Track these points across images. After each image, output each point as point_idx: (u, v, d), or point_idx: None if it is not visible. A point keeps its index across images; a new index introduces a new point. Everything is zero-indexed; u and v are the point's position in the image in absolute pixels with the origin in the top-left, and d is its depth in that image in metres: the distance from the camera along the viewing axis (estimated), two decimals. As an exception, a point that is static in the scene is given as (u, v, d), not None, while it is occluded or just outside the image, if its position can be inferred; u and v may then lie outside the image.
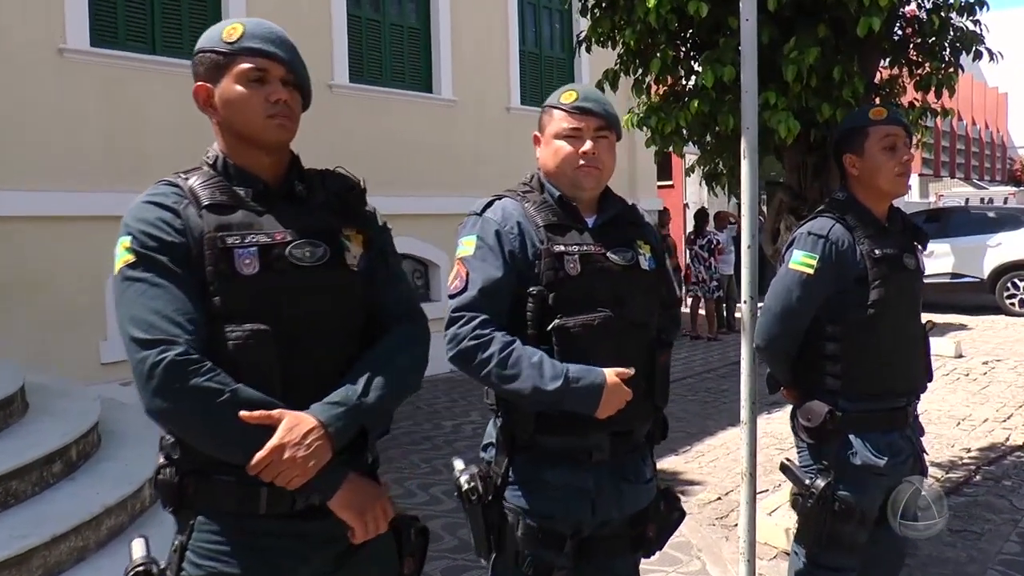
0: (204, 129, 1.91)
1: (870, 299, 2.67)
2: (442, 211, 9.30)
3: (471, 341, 2.12)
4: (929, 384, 2.92)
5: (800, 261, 2.74)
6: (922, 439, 2.92)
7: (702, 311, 12.95)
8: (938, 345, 10.58)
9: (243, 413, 1.61)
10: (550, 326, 2.16)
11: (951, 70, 4.45)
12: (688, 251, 13.15)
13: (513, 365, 2.10)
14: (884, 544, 2.86)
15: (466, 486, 2.25)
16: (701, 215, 13.13)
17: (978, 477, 5.80)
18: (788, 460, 2.87)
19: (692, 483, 5.75)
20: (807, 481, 2.74)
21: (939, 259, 14.77)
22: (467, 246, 2.26)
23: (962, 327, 12.80)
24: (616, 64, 4.82)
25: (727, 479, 5.75)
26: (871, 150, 2.75)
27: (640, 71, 4.75)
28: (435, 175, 10.12)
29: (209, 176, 1.79)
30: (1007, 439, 6.75)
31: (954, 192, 30.18)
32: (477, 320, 2.13)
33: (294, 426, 1.63)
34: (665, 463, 6.16)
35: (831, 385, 2.74)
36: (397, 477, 5.77)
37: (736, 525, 4.43)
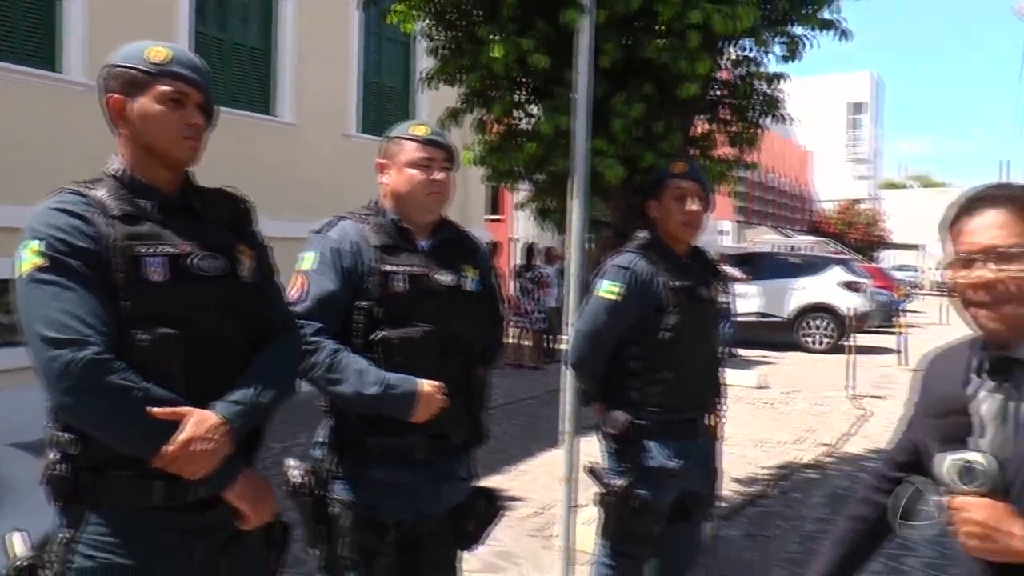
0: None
1: (667, 324, 3.07)
2: (278, 234, 9.24)
3: (304, 347, 2.32)
4: (721, 400, 3.34)
5: (607, 289, 3.11)
6: (718, 447, 3.35)
7: (527, 342, 13.37)
8: (744, 377, 11.51)
9: (153, 409, 1.73)
10: (376, 337, 2.40)
11: (756, 130, 5.03)
12: (516, 283, 13.55)
13: (339, 370, 2.34)
14: (680, 539, 3.26)
15: (297, 481, 2.45)
16: (530, 250, 13.60)
17: (773, 491, 6.45)
18: (593, 462, 3.22)
19: (514, 499, 6.07)
20: (609, 481, 3.10)
21: (749, 299, 15.98)
22: (308, 260, 2.49)
23: (766, 362, 13.90)
24: (459, 103, 5.12)
25: (547, 495, 6.11)
26: (666, 199, 3.18)
27: (483, 111, 5.06)
28: (272, 198, 10.08)
29: (115, 188, 1.88)
30: (798, 459, 7.51)
31: (765, 239, 32.50)
32: (312, 329, 2.35)
33: (201, 421, 1.77)
34: (489, 482, 6.42)
35: (633, 398, 3.12)
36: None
37: (555, 536, 4.77)
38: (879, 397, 10.93)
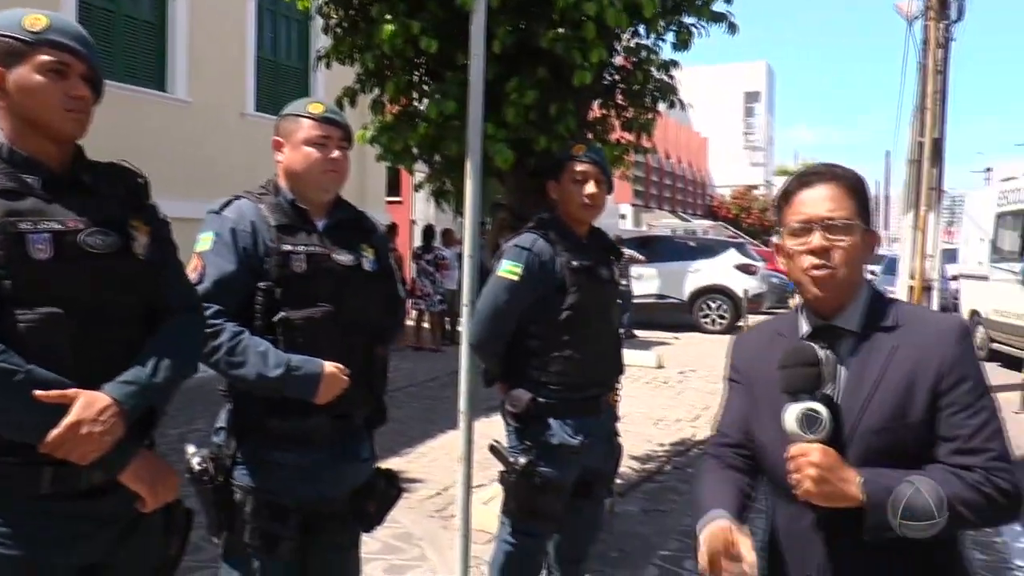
0: None
1: (567, 303, 3.13)
2: (172, 214, 8.97)
3: (204, 330, 2.27)
4: (621, 377, 3.43)
5: (507, 269, 3.15)
6: (617, 425, 3.43)
7: (426, 324, 13.34)
8: (642, 357, 11.77)
9: (38, 393, 1.66)
10: (277, 319, 2.37)
11: (650, 115, 5.14)
12: (415, 265, 13.49)
13: (240, 353, 2.30)
14: (582, 516, 3.34)
15: (197, 468, 2.40)
16: (429, 231, 13.54)
17: (669, 467, 6.64)
18: (496, 442, 3.26)
19: (414, 481, 6.08)
20: (512, 459, 3.15)
21: (647, 281, 16.37)
22: (205, 241, 2.44)
23: (664, 342, 14.26)
24: (355, 82, 5.07)
25: (446, 477, 6.14)
26: (566, 181, 3.23)
27: (377, 91, 5.02)
28: (166, 176, 9.77)
29: None
30: (693, 436, 7.74)
31: (663, 223, 33.23)
32: (211, 311, 2.30)
33: (90, 404, 1.71)
34: (389, 463, 6.44)
35: (535, 376, 3.17)
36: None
37: (454, 516, 4.81)
38: (770, 375, 11.32)
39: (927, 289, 10.84)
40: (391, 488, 2.69)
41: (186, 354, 1.96)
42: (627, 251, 15.36)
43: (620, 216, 29.54)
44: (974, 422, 1.64)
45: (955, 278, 15.43)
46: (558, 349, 3.14)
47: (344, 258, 2.50)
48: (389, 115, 5.10)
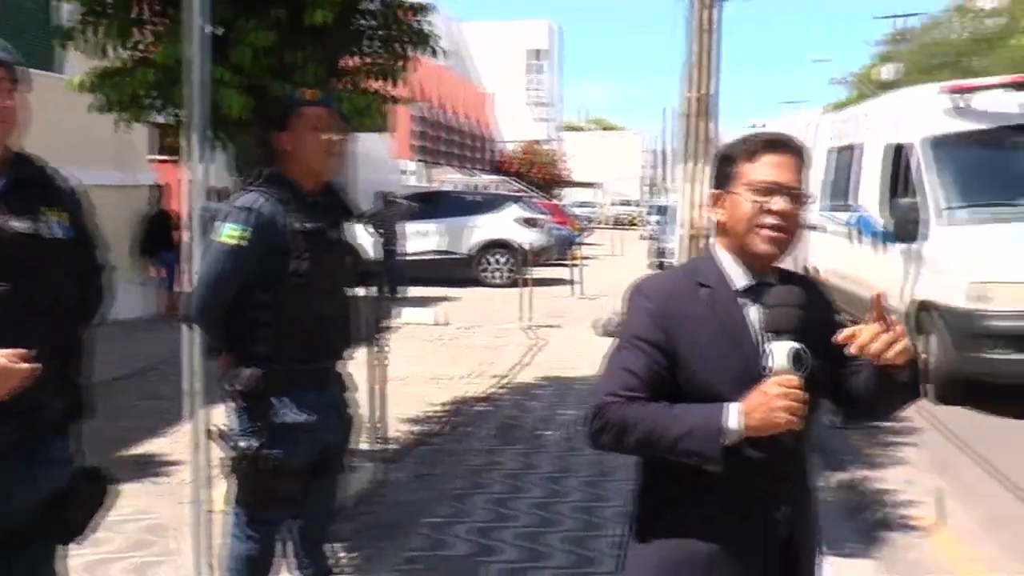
0: None
1: (295, 269, 2.84)
2: None
3: None
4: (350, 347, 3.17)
5: (228, 233, 2.82)
6: (353, 395, 3.20)
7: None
8: (422, 314, 11.64)
9: None
10: None
11: (402, 62, 4.88)
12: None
13: None
14: (320, 496, 3.09)
15: None
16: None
17: (445, 428, 6.52)
18: (218, 426, 2.95)
19: (176, 463, 5.62)
20: (241, 444, 2.85)
21: (429, 237, 16.24)
22: None
23: (446, 298, 14.18)
24: (77, 22, 4.48)
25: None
26: (300, 129, 2.92)
27: (98, 34, 4.46)
28: None
29: None
30: (471, 393, 7.66)
31: (450, 178, 33.21)
32: None
33: None
34: (152, 446, 5.99)
35: (262, 350, 2.87)
36: None
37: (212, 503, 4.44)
38: (553, 326, 11.54)
39: (701, 238, 11.33)
40: (97, 490, 2.32)
41: None
42: (402, 201, 15.12)
43: (403, 172, 29.31)
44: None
45: None
46: (286, 319, 2.86)
47: (20, 225, 2.10)
48: (112, 60, 4.55)
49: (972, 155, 8.18)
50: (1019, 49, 24.79)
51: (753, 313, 1.87)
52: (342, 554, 4.04)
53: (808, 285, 1.99)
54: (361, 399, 5.60)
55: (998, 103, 8.15)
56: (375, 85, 4.89)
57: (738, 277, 1.91)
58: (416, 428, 6.46)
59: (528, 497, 4.94)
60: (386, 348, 5.75)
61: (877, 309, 1.78)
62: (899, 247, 8.22)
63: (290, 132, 2.94)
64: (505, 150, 43.77)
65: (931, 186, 7.93)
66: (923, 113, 8.49)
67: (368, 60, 4.84)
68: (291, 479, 2.88)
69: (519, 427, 6.50)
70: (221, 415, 3.07)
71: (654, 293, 1.92)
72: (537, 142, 46.79)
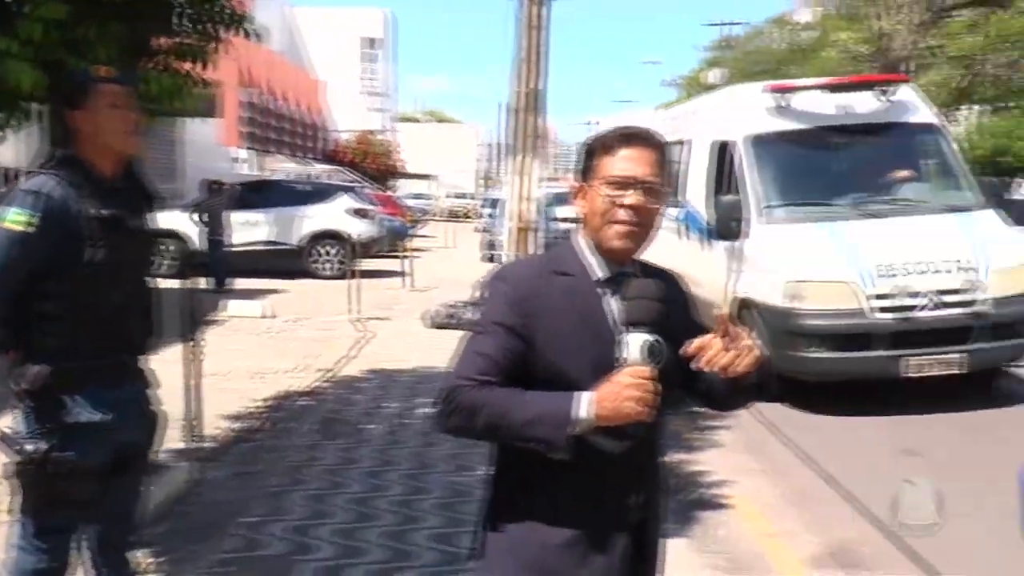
0: None
1: (90, 259, 2.66)
2: None
3: None
4: (148, 341, 2.99)
5: (12, 219, 2.61)
6: (155, 392, 3.03)
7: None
8: (248, 307, 11.28)
9: None
10: None
11: (213, 44, 4.66)
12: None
13: None
14: (119, 498, 2.91)
15: None
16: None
17: (266, 424, 6.32)
18: (6, 428, 2.73)
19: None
20: (27, 447, 2.64)
21: (258, 227, 15.72)
22: None
23: (275, 291, 13.77)
24: None
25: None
26: (95, 108, 2.73)
27: None
28: None
29: None
30: (296, 387, 7.47)
31: (284, 167, 32.18)
32: None
33: None
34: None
35: (52, 344, 2.67)
36: None
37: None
38: (383, 319, 11.42)
39: (529, 231, 11.50)
40: None
41: None
42: (228, 186, 14.62)
43: (235, 160, 28.22)
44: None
45: (565, 220, 16.40)
46: (80, 312, 2.67)
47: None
48: None
49: (792, 154, 8.27)
50: (829, 60, 26.62)
51: (612, 304, 1.88)
52: (150, 559, 3.86)
53: (667, 278, 2.02)
54: (176, 396, 5.39)
55: (817, 104, 8.27)
56: (187, 67, 4.65)
57: (598, 267, 1.92)
58: (236, 425, 6.25)
59: (348, 492, 4.87)
60: (202, 342, 5.53)
61: (723, 327, 1.80)
62: (722, 244, 8.22)
63: (84, 111, 2.74)
64: (339, 139, 42.82)
65: (752, 184, 7.96)
66: (747, 112, 8.54)
67: (179, 40, 4.60)
68: (85, 482, 2.69)
69: (342, 421, 6.40)
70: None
71: (514, 279, 1.93)
72: (372, 132, 46.10)
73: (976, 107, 29.86)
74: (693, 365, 1.81)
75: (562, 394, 1.77)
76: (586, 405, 1.74)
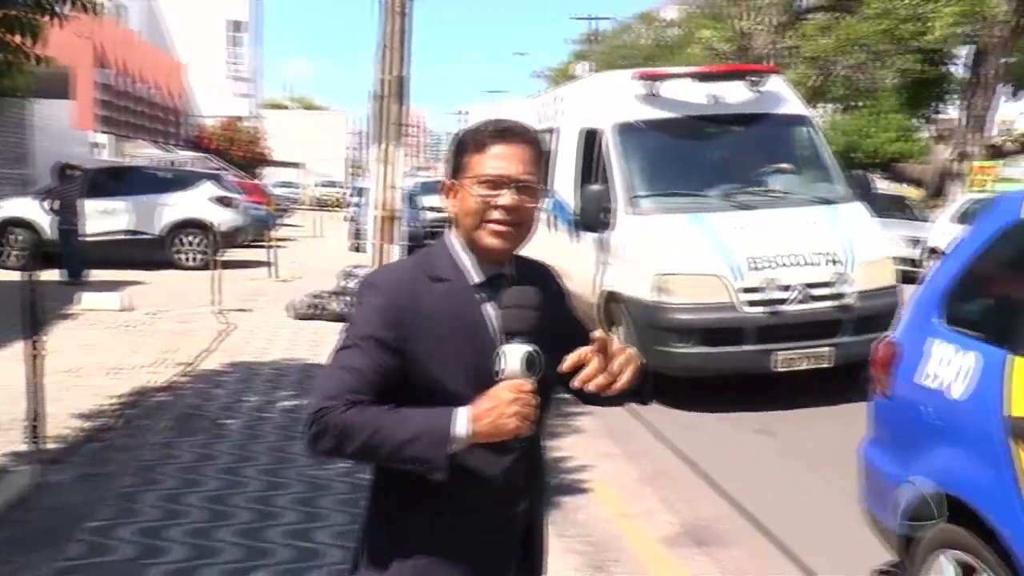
0: None
1: None
2: None
3: None
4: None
5: None
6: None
7: None
8: (106, 300, 10.73)
9: None
10: None
11: (40, 16, 4.39)
12: None
13: None
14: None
15: None
16: None
17: (119, 422, 6.02)
18: None
19: None
20: None
21: (117, 216, 14.99)
22: None
23: (135, 282, 13.14)
24: None
25: None
26: None
27: None
28: None
29: None
30: (152, 382, 7.14)
31: (146, 154, 30.70)
32: None
33: None
34: None
35: None
36: None
37: None
38: (245, 310, 11.07)
39: (393, 219, 11.37)
40: None
41: None
42: (81, 170, 13.88)
43: (94, 145, 26.80)
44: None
45: (432, 209, 16.12)
46: None
47: None
48: None
49: (660, 143, 8.02)
50: (694, 57, 27.42)
51: (490, 310, 1.79)
52: (-20, 571, 3.62)
53: (543, 275, 1.96)
54: (18, 395, 5.07)
55: (687, 93, 8.07)
56: (16, 40, 4.35)
57: (474, 270, 1.82)
58: (87, 424, 5.93)
59: (203, 491, 4.69)
60: (44, 338, 5.22)
61: (599, 346, 1.73)
62: (590, 236, 7.96)
63: None
64: (204, 125, 41.27)
65: (619, 173, 7.69)
66: (615, 99, 8.26)
67: (4, 11, 4.29)
68: None
69: (200, 417, 6.16)
70: None
71: (386, 287, 1.79)
72: (238, 118, 44.67)
73: (830, 106, 31.46)
74: (571, 384, 1.75)
75: (439, 410, 1.67)
76: (464, 423, 1.65)
